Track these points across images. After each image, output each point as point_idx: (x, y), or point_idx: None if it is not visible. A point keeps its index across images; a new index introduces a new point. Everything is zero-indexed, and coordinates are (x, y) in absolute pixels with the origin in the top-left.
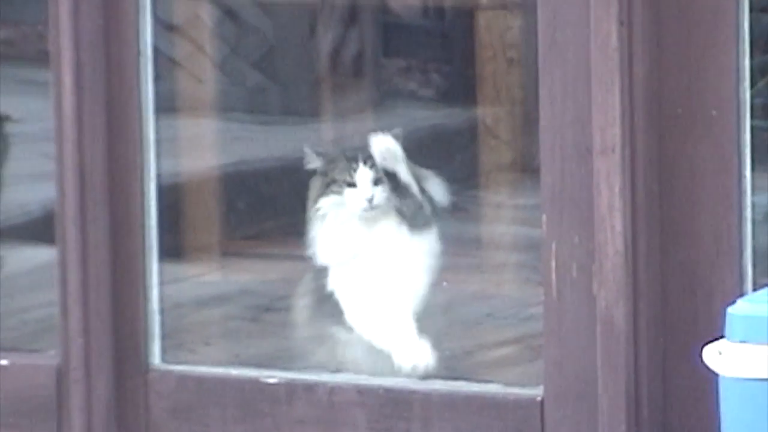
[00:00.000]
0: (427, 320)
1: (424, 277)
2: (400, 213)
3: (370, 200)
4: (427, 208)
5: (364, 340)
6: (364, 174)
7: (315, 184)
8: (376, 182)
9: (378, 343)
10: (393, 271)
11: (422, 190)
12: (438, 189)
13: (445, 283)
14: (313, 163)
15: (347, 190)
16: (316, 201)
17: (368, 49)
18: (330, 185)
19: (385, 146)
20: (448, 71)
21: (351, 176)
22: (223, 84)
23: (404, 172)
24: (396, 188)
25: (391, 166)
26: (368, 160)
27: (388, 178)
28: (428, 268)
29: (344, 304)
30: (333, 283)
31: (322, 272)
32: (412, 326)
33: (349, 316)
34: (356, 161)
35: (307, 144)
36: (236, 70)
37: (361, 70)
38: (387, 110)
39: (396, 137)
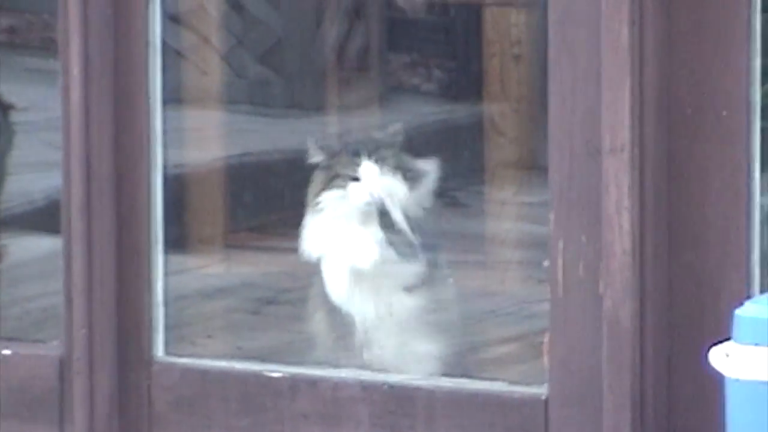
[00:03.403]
0: (432, 317)
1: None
2: (390, 244)
3: (374, 194)
4: (416, 247)
5: (367, 337)
6: (368, 168)
7: (318, 178)
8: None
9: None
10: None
11: (411, 229)
12: (429, 184)
13: (450, 280)
14: (316, 157)
15: (351, 185)
16: (317, 195)
17: (374, 44)
18: (334, 179)
19: (380, 183)
20: (453, 67)
21: (355, 170)
22: (229, 76)
23: (397, 212)
24: (387, 224)
25: (386, 203)
26: (372, 153)
27: (381, 215)
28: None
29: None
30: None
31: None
32: None
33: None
34: (359, 155)
35: (310, 138)
36: (242, 62)
37: (367, 65)
38: (391, 105)
39: (396, 133)
